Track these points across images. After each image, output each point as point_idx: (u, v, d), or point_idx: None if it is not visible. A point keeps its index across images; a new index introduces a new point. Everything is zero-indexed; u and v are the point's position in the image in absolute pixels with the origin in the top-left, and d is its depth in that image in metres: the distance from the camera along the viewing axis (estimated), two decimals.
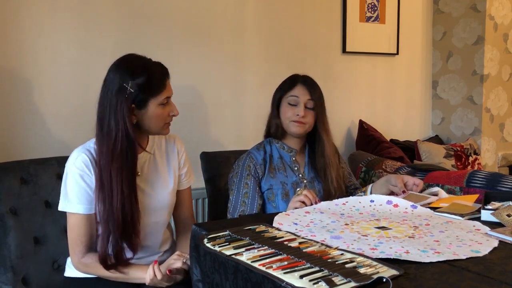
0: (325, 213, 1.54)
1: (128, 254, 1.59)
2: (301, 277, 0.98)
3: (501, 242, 1.24)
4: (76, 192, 1.56)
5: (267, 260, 1.09)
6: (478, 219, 1.47)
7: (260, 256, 1.11)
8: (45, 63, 2.18)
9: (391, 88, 3.45)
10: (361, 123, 3.20)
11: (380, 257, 1.11)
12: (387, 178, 1.88)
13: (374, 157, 2.83)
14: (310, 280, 0.97)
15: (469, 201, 1.63)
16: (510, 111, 3.59)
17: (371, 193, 1.89)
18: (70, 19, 2.22)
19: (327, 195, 1.95)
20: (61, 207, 1.59)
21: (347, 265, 1.04)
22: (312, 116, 1.92)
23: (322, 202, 1.65)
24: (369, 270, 1.01)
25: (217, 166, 2.27)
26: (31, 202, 1.77)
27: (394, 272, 1.02)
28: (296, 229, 1.36)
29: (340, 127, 3.18)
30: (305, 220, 1.46)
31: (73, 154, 1.60)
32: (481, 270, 1.05)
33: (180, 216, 1.84)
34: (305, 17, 2.99)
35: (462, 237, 1.28)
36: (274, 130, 1.99)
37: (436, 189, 1.83)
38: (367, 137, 3.15)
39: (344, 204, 1.63)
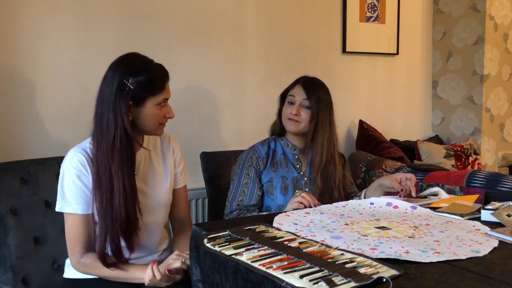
0: (325, 214, 1.54)
1: (126, 253, 1.59)
2: (301, 277, 0.99)
3: (501, 242, 1.24)
4: (73, 192, 1.56)
5: (267, 260, 1.09)
6: (478, 219, 1.47)
7: (260, 256, 1.11)
8: (45, 63, 2.18)
9: (391, 88, 3.45)
10: (361, 123, 3.20)
11: (380, 257, 1.11)
12: (379, 182, 1.90)
13: (374, 157, 2.83)
14: (310, 280, 0.97)
15: (469, 201, 1.63)
16: (510, 111, 3.59)
17: (365, 197, 1.91)
18: (70, 19, 2.22)
19: (326, 198, 1.94)
20: (58, 208, 1.59)
21: (347, 265, 1.04)
22: (307, 115, 1.94)
23: (322, 206, 1.66)
24: (369, 270, 1.01)
25: (217, 166, 2.27)
26: (31, 202, 1.77)
27: (394, 272, 1.02)
28: (296, 229, 1.36)
29: (340, 127, 3.15)
30: (305, 220, 1.46)
31: (69, 154, 1.60)
32: (481, 270, 1.05)
33: (176, 215, 1.84)
34: (305, 17, 2.99)
35: (462, 237, 1.28)
36: (274, 129, 2.06)
37: (436, 189, 1.83)
38: (367, 137, 3.15)
39: (344, 206, 1.63)
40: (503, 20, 3.44)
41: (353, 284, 0.95)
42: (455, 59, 3.52)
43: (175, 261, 1.54)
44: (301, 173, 2.00)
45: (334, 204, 1.67)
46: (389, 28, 3.36)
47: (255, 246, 1.19)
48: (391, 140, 3.31)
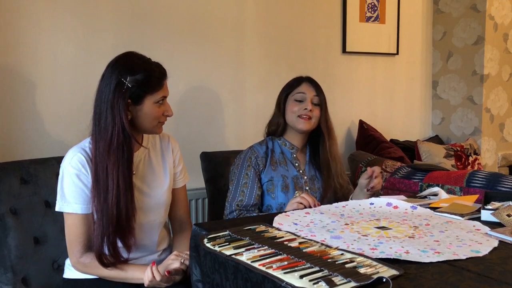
0: (325, 214, 1.54)
1: (123, 253, 1.59)
2: (301, 277, 0.99)
3: (501, 242, 1.24)
4: (73, 192, 1.56)
5: (267, 260, 1.09)
6: (478, 219, 1.47)
7: (260, 256, 1.11)
8: (45, 63, 2.18)
9: (391, 88, 3.45)
10: (361, 123, 3.20)
11: (380, 257, 1.11)
12: (359, 185, 1.90)
13: (374, 157, 2.83)
14: (310, 280, 0.97)
15: (469, 201, 1.63)
16: (510, 111, 3.59)
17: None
18: (70, 19, 2.22)
19: (331, 191, 1.98)
20: (58, 208, 1.59)
21: (347, 265, 1.04)
22: (318, 111, 1.97)
23: (322, 206, 1.66)
24: (369, 270, 1.01)
25: (217, 166, 2.27)
26: (31, 202, 1.77)
27: (394, 272, 1.02)
28: (296, 229, 1.36)
29: (340, 127, 3.18)
30: (305, 220, 1.46)
31: (69, 153, 1.60)
32: (481, 270, 1.05)
33: (176, 215, 1.84)
34: (305, 17, 2.99)
35: (462, 237, 1.28)
36: (274, 129, 2.04)
37: (436, 189, 1.83)
38: (367, 137, 3.15)
39: (344, 207, 1.63)
40: (503, 20, 3.44)
41: (353, 284, 0.95)
42: (455, 59, 3.52)
43: (174, 261, 1.54)
44: (300, 171, 2.00)
45: (334, 204, 1.67)
46: (389, 28, 3.36)
47: (255, 246, 1.19)
48: (391, 140, 3.31)
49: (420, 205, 1.62)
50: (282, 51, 2.90)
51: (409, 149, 3.26)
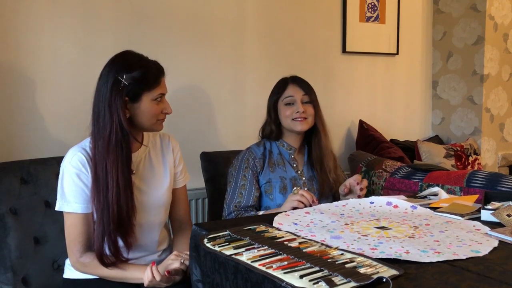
0: (325, 213, 1.54)
1: (124, 253, 1.59)
2: (301, 277, 0.99)
3: (501, 242, 1.24)
4: (73, 191, 1.56)
5: (267, 260, 1.09)
6: (478, 219, 1.47)
7: (260, 256, 1.11)
8: (45, 63, 2.18)
9: (391, 88, 3.45)
10: (361, 123, 3.20)
11: (380, 257, 1.11)
12: (352, 188, 1.89)
13: (374, 157, 2.83)
14: (310, 280, 0.97)
15: (469, 201, 1.63)
16: (510, 111, 3.59)
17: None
18: (70, 19, 2.22)
19: (326, 188, 1.99)
20: (58, 207, 1.59)
21: (347, 265, 1.04)
22: (311, 108, 1.97)
23: (321, 204, 1.66)
24: (369, 270, 1.01)
25: (217, 166, 2.27)
26: (31, 202, 1.77)
27: (394, 272, 1.02)
28: (296, 229, 1.36)
29: (340, 127, 3.18)
30: (305, 220, 1.46)
31: (69, 153, 1.60)
32: (481, 270, 1.05)
33: (176, 215, 1.84)
34: (305, 17, 2.99)
35: (462, 237, 1.28)
36: (268, 134, 2.04)
37: (436, 189, 1.83)
38: (367, 137, 3.15)
39: (344, 206, 1.63)
40: (503, 20, 3.44)
41: (353, 284, 0.95)
42: (455, 59, 3.52)
43: (174, 261, 1.55)
44: (299, 172, 2.00)
45: (334, 203, 1.66)
46: (389, 28, 3.36)
47: (255, 246, 1.19)
48: (391, 140, 3.31)
49: (420, 205, 1.62)
50: (282, 51, 2.90)
51: (409, 149, 3.26)
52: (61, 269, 1.76)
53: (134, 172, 1.65)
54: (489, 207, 1.50)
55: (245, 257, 1.11)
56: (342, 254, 1.12)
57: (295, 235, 1.28)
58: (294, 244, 1.19)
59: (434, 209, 1.59)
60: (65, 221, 1.60)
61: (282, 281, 0.98)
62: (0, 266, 1.70)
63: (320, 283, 0.96)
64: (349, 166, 2.94)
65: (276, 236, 1.26)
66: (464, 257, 1.12)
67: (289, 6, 2.91)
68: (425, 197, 1.82)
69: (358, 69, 3.26)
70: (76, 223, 1.57)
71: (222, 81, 2.70)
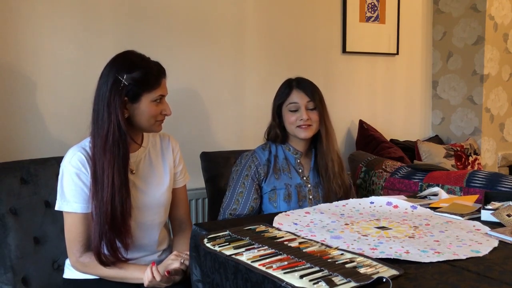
0: (325, 213, 1.54)
1: (122, 252, 1.59)
2: (301, 277, 0.99)
3: (501, 242, 1.24)
4: (73, 191, 1.56)
5: (267, 260, 1.09)
6: (478, 219, 1.47)
7: (260, 256, 1.11)
8: (45, 63, 2.18)
9: (391, 88, 3.45)
10: (361, 123, 3.20)
11: (380, 257, 1.11)
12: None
13: (374, 157, 2.82)
14: (310, 280, 0.97)
15: (469, 201, 1.63)
16: (510, 111, 3.59)
17: None
18: (70, 19, 2.22)
19: (331, 195, 1.93)
20: (57, 207, 1.59)
21: (347, 265, 1.04)
22: (316, 115, 1.92)
23: (322, 204, 1.65)
24: (369, 270, 1.01)
25: (217, 166, 2.27)
26: (31, 202, 1.77)
27: (394, 272, 1.02)
28: (296, 229, 1.36)
29: (340, 127, 3.18)
30: (305, 220, 1.46)
31: (69, 153, 1.60)
32: (481, 270, 1.05)
33: (176, 215, 1.84)
34: (305, 17, 2.99)
35: (462, 237, 1.28)
36: (273, 138, 1.99)
37: (436, 189, 1.83)
38: (367, 137, 3.15)
39: (344, 206, 1.63)
40: (503, 20, 3.44)
41: (353, 284, 0.95)
42: (455, 59, 3.52)
43: (174, 261, 1.54)
44: (304, 178, 1.96)
45: (334, 203, 1.66)
46: (389, 28, 3.36)
47: (255, 246, 1.19)
48: (391, 140, 3.31)
49: (420, 205, 1.62)
50: (282, 51, 2.90)
51: (409, 149, 3.26)
52: (61, 269, 1.76)
53: (133, 172, 1.65)
54: (489, 207, 1.50)
55: (245, 257, 1.11)
56: (342, 254, 1.12)
57: (295, 235, 1.29)
58: (294, 244, 1.19)
59: (434, 209, 1.59)
60: (65, 221, 1.60)
61: (282, 281, 0.98)
62: (0, 266, 1.70)
63: (320, 283, 0.96)
64: (349, 166, 2.94)
65: (276, 236, 1.26)
66: (464, 257, 1.12)
67: (289, 6, 2.91)
68: (425, 197, 1.82)
69: (358, 69, 3.26)
70: (76, 223, 1.57)
71: (222, 81, 2.70)
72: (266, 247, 1.17)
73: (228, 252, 1.16)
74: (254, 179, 1.92)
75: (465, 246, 1.21)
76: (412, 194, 1.95)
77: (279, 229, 1.34)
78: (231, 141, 2.73)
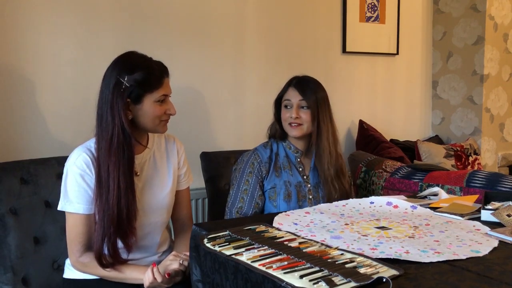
0: (325, 213, 1.54)
1: (123, 254, 1.59)
2: (301, 277, 0.99)
3: (501, 242, 1.24)
4: (76, 191, 1.56)
5: (267, 260, 1.09)
6: (478, 219, 1.47)
7: (260, 256, 1.12)
8: (45, 63, 2.17)
9: (391, 88, 3.45)
10: (361, 123, 3.20)
11: (380, 257, 1.11)
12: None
13: (374, 157, 2.82)
14: (310, 280, 0.97)
15: (469, 201, 1.63)
16: (510, 111, 3.59)
17: None
18: (70, 19, 2.22)
19: (331, 197, 1.91)
20: (60, 207, 1.59)
21: (347, 265, 1.04)
22: (308, 115, 1.90)
23: (322, 204, 1.65)
24: (369, 270, 1.01)
25: (217, 166, 2.27)
26: (31, 202, 1.77)
27: (394, 272, 1.02)
28: (296, 229, 1.36)
29: (340, 127, 3.14)
30: (305, 220, 1.46)
31: (74, 153, 1.60)
32: (481, 270, 1.05)
33: (178, 217, 1.84)
34: (305, 17, 2.99)
35: (462, 237, 1.28)
36: (273, 134, 2.01)
37: (436, 189, 1.83)
38: (367, 137, 3.15)
39: (344, 206, 1.63)
40: (503, 20, 3.44)
41: (353, 284, 0.95)
42: (455, 59, 3.52)
43: (173, 262, 1.54)
44: (305, 177, 1.96)
45: (334, 203, 1.66)
46: (389, 28, 3.36)
47: (255, 246, 1.19)
48: (391, 140, 3.31)
49: (420, 205, 1.62)
50: (282, 51, 2.90)
51: (409, 149, 3.26)
52: (61, 269, 1.76)
53: (138, 173, 1.65)
54: (489, 207, 1.50)
55: (245, 257, 1.11)
56: (342, 254, 1.12)
57: (295, 235, 1.29)
58: (294, 244, 1.19)
59: (434, 209, 1.59)
60: (67, 221, 1.60)
61: (282, 281, 0.98)
62: (0, 266, 1.70)
63: (320, 283, 0.96)
64: (349, 166, 2.94)
65: (276, 236, 1.26)
66: (464, 257, 1.12)
67: (289, 6, 2.91)
68: (425, 197, 1.82)
69: (358, 69, 3.26)
70: (78, 223, 1.57)
71: (222, 81, 2.70)
72: (266, 247, 1.17)
73: (228, 252, 1.16)
74: (258, 176, 1.92)
75: (465, 246, 1.21)
76: (412, 194, 1.95)
77: (279, 229, 1.34)
78: (231, 141, 2.73)
